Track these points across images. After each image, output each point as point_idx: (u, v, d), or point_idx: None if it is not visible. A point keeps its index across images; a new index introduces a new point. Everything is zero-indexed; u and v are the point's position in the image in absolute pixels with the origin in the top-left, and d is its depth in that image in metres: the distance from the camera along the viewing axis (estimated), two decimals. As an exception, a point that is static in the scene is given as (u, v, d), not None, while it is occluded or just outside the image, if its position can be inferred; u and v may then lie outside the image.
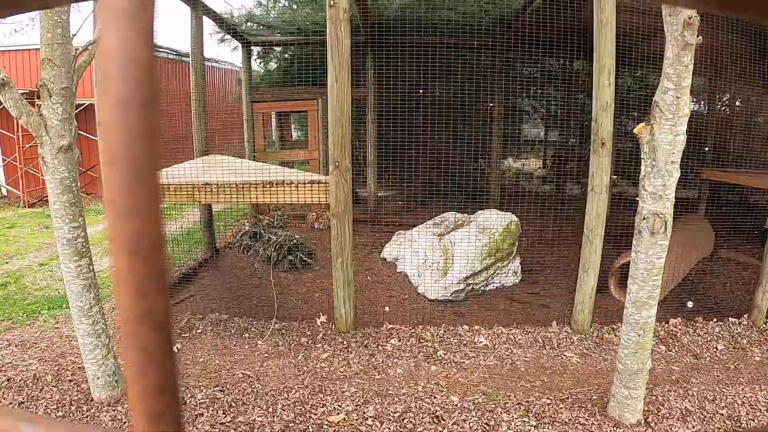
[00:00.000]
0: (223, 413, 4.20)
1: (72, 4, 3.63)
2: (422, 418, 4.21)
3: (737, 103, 12.28)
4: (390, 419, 4.19)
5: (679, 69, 3.39)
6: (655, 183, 3.65)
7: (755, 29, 6.95)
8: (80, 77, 3.81)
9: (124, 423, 4.07)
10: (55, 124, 3.67)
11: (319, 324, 5.95)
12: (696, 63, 3.50)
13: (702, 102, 11.34)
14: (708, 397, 4.55)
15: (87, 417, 4.13)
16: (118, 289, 0.21)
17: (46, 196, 9.71)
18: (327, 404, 4.37)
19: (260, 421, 4.13)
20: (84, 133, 12.33)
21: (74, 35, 3.68)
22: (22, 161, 13.04)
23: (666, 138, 3.55)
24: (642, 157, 3.73)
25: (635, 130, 3.73)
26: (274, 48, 12.42)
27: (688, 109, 3.51)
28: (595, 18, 5.21)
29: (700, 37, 3.36)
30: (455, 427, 4.12)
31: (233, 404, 4.32)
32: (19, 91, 3.64)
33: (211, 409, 4.25)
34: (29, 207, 13.08)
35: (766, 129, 10.90)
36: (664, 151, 3.57)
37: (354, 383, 4.74)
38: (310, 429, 4.08)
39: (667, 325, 5.96)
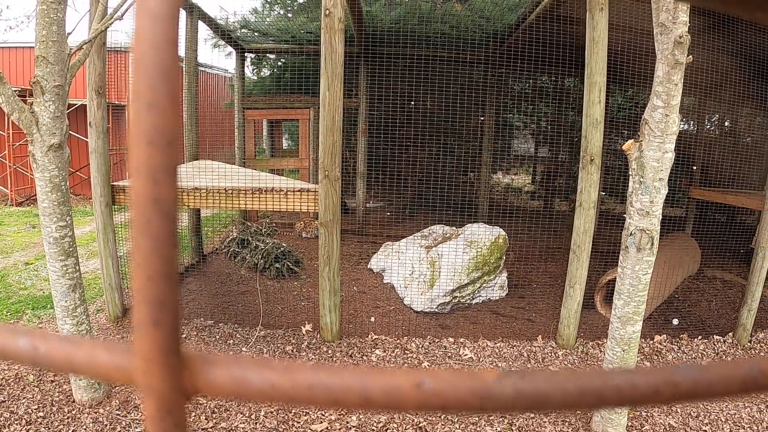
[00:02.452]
0: (206, 419, 4.17)
1: (68, 4, 3.63)
2: (405, 429, 4.20)
3: (726, 124, 12.43)
4: (373, 429, 4.17)
5: (668, 87, 3.43)
6: (642, 199, 3.68)
7: (745, 50, 7.04)
8: (73, 76, 3.80)
9: (106, 426, 4.03)
10: (46, 121, 3.66)
11: (304, 332, 5.93)
12: (686, 82, 3.54)
13: (691, 121, 11.46)
14: (692, 413, 4.57)
15: (68, 418, 4.08)
16: (135, 179, 0.22)
17: (34, 195, 9.60)
18: (310, 413, 4.35)
19: (243, 428, 4.10)
20: (75, 134, 12.30)
21: (69, 34, 3.68)
22: (11, 159, 12.96)
23: (654, 155, 3.58)
24: (630, 173, 3.76)
25: (624, 147, 3.77)
26: (268, 55, 12.46)
27: (677, 127, 3.55)
28: (587, 35, 5.26)
29: (691, 56, 3.40)
30: (438, 438, 4.11)
31: (216, 410, 4.29)
32: (12, 88, 3.62)
33: (193, 414, 4.21)
34: (17, 205, 12.99)
35: (754, 150, 11.01)
36: (652, 168, 3.60)
37: (338, 392, 4.72)
38: (293, 437, 4.06)
39: (652, 342, 5.98)
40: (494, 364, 5.46)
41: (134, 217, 0.23)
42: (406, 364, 5.34)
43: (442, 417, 4.37)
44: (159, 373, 0.24)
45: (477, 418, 4.36)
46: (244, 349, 5.53)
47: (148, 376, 0.24)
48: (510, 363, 5.49)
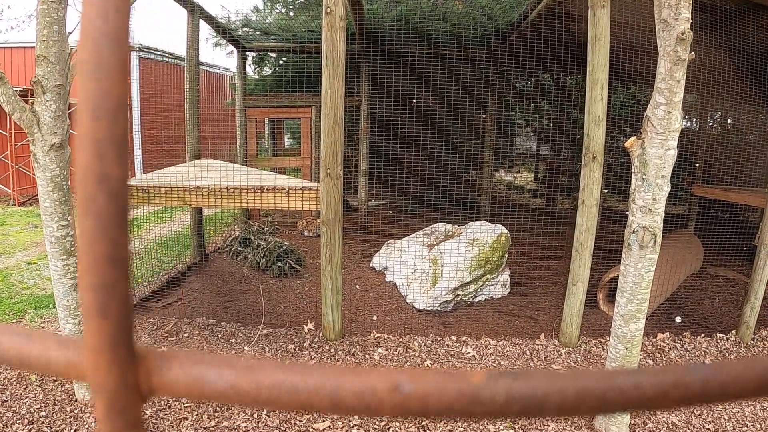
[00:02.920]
0: (208, 418, 4.17)
1: (69, 4, 3.63)
2: (408, 428, 4.20)
3: (729, 121, 12.40)
4: (375, 428, 4.17)
5: (671, 84, 3.42)
6: (645, 197, 3.67)
7: (748, 47, 7.02)
8: (74, 75, 3.79)
9: (108, 425, 4.03)
10: (47, 121, 3.66)
11: (306, 331, 5.93)
12: (688, 79, 3.53)
13: (694, 118, 11.43)
14: (695, 411, 4.56)
15: (70, 417, 4.09)
16: (79, 153, 0.21)
17: (37, 195, 9.62)
18: (312, 412, 4.35)
19: (245, 427, 4.10)
20: (76, 133, 12.30)
21: (70, 33, 3.67)
22: (13, 159, 12.98)
23: (657, 152, 3.57)
24: (632, 170, 3.75)
25: (626, 144, 3.76)
26: (270, 54, 12.45)
27: (680, 124, 3.53)
28: (589, 32, 5.25)
29: (693, 52, 3.38)
30: (441, 436, 4.11)
31: (218, 409, 4.29)
32: (13, 88, 3.62)
33: (195, 413, 4.22)
34: (19, 205, 13.00)
35: (756, 147, 10.99)
36: (655, 165, 3.59)
37: (340, 391, 4.72)
38: (295, 435, 4.06)
39: (654, 340, 5.97)
40: (497, 362, 5.45)
41: (78, 196, 0.21)
42: (408, 363, 5.34)
43: (523, 417, 4.36)
44: (108, 368, 0.22)
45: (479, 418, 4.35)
46: (246, 348, 5.53)
47: (97, 372, 0.22)
48: (513, 361, 5.49)
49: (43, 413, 4.13)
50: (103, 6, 0.21)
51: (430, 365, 5.31)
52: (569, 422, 4.35)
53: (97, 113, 0.20)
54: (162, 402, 4.32)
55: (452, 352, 5.59)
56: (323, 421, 4.22)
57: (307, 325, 6.04)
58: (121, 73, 0.21)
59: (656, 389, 0.24)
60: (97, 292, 0.21)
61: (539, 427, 4.26)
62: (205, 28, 8.73)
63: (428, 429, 4.18)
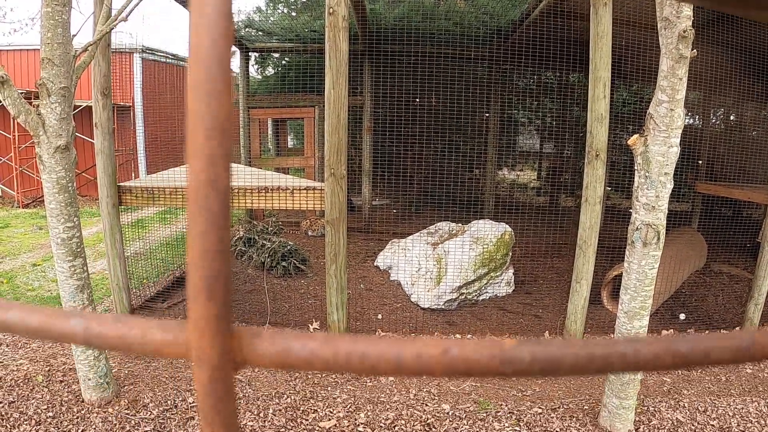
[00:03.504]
0: (214, 417, 4.19)
1: (73, 6, 3.65)
2: (413, 425, 4.21)
3: (731, 118, 12.38)
4: (381, 426, 4.19)
5: (673, 81, 3.42)
6: (648, 194, 3.68)
7: (750, 44, 7.02)
8: (79, 77, 3.82)
9: (115, 425, 4.05)
10: (53, 123, 3.68)
11: (311, 330, 5.95)
12: (691, 76, 3.54)
13: (697, 116, 11.42)
14: (699, 408, 4.57)
15: (77, 418, 4.11)
16: (192, 161, 0.24)
17: (41, 197, 9.65)
18: (318, 410, 4.37)
19: (251, 426, 4.12)
20: (81, 135, 12.34)
21: (74, 36, 3.69)
22: (17, 161, 13.02)
23: (659, 150, 3.58)
24: (635, 168, 3.76)
25: (629, 142, 3.76)
26: (272, 54, 12.48)
27: (682, 121, 3.54)
28: (591, 30, 5.26)
29: (695, 50, 3.39)
30: (446, 434, 4.13)
31: (224, 408, 4.31)
32: (18, 91, 3.65)
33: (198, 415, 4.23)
34: (24, 207, 13.05)
35: (760, 143, 10.97)
36: (658, 162, 3.60)
37: (346, 390, 4.74)
38: (301, 434, 4.08)
39: (659, 337, 5.97)
40: (501, 360, 5.46)
41: (191, 197, 0.25)
42: (413, 361, 5.35)
43: (450, 414, 4.38)
44: (212, 343, 0.26)
45: (485, 414, 4.37)
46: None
47: (201, 347, 0.26)
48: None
49: (50, 414, 4.15)
50: (211, 34, 0.24)
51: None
52: (574, 419, 4.36)
53: (208, 132, 0.24)
54: (169, 402, 4.35)
55: (457, 351, 5.60)
56: (329, 419, 4.24)
57: (312, 324, 6.06)
58: (227, 95, 0.24)
59: (651, 353, 0.28)
60: (206, 279, 0.25)
61: (544, 425, 4.27)
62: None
63: (434, 427, 4.20)
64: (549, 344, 0.28)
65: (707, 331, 6.12)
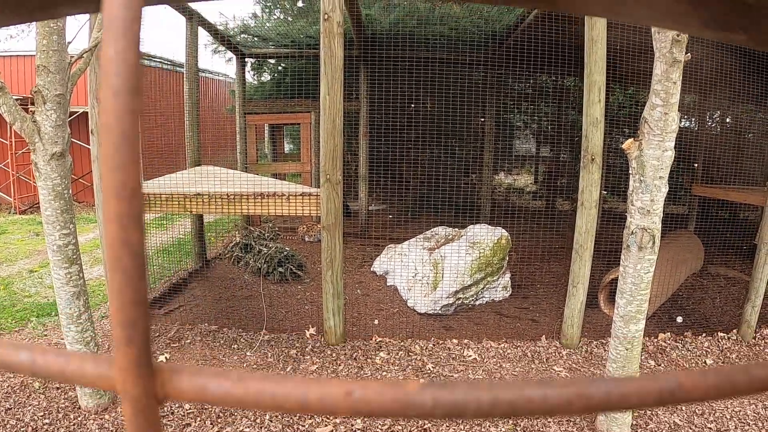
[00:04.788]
0: (211, 423, 4.19)
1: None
2: (410, 431, 4.21)
3: (727, 120, 12.41)
4: (378, 431, 4.18)
5: (667, 85, 3.43)
6: (642, 198, 3.68)
7: (744, 47, 7.04)
8: (74, 84, 3.82)
9: (111, 432, 4.04)
10: (48, 130, 3.68)
11: (308, 336, 5.94)
12: (686, 79, 3.55)
13: (692, 118, 11.45)
14: (697, 411, 4.57)
15: (74, 425, 4.10)
16: (107, 225, 0.27)
17: (38, 203, 9.63)
18: (315, 416, 4.36)
19: (248, 432, 4.11)
20: (77, 141, 12.34)
21: (69, 43, 3.70)
22: (14, 167, 13.01)
23: (654, 153, 3.59)
24: (630, 172, 3.76)
25: (624, 146, 3.77)
26: (268, 60, 12.48)
27: (676, 125, 3.55)
28: (586, 34, 5.27)
29: (689, 54, 3.40)
30: (443, 439, 4.12)
31: (221, 415, 4.30)
32: (13, 98, 3.64)
33: (198, 419, 4.23)
34: (20, 213, 13.03)
35: (755, 145, 11.00)
36: (652, 166, 3.61)
37: (343, 395, 4.73)
38: (298, 440, 4.07)
39: (656, 340, 5.98)
40: (498, 364, 5.46)
41: (107, 256, 0.28)
42: (410, 367, 5.35)
43: (447, 419, 4.37)
44: (133, 381, 0.28)
45: (482, 420, 4.36)
46: (248, 353, 5.54)
47: (125, 385, 0.28)
48: (514, 363, 5.49)
49: (47, 421, 4.14)
50: (116, 111, 0.27)
51: (431, 369, 5.32)
52: (571, 423, 4.36)
53: (119, 196, 0.27)
54: (165, 409, 4.33)
55: (454, 356, 5.60)
56: (325, 426, 4.23)
57: (308, 330, 6.05)
58: (134, 166, 0.27)
59: (561, 399, 0.28)
60: (125, 327, 0.28)
61: (541, 429, 4.27)
62: (203, 35, 8.76)
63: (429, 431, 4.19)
64: (454, 387, 0.28)
65: (704, 334, 6.13)
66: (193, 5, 7.78)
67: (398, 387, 0.28)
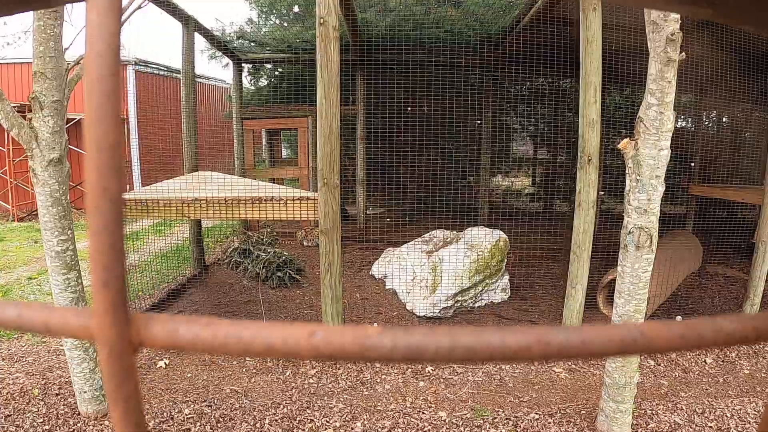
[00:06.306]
0: (211, 428, 4.18)
1: (65, 20, 3.66)
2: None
3: (724, 119, 12.44)
4: (378, 434, 4.18)
5: (662, 84, 3.45)
6: (639, 197, 3.69)
7: (740, 45, 7.06)
8: (71, 91, 3.82)
9: (111, 438, 4.04)
10: (46, 136, 3.68)
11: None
12: (682, 79, 3.56)
13: (689, 117, 11.47)
14: (697, 410, 4.57)
15: (74, 431, 4.09)
16: (89, 174, 0.28)
17: (36, 210, 9.62)
18: (315, 420, 4.36)
19: (248, 437, 4.11)
20: (74, 148, 12.32)
21: (66, 49, 3.70)
22: (11, 175, 12.99)
23: (650, 153, 3.60)
24: (627, 172, 3.77)
25: (620, 146, 3.78)
26: (265, 65, 12.50)
27: (672, 124, 3.56)
28: (581, 35, 5.29)
29: (683, 53, 3.42)
30: (444, 441, 4.12)
31: (221, 419, 4.30)
32: (11, 104, 3.65)
33: (198, 424, 4.22)
34: (18, 221, 13.01)
35: (752, 144, 11.03)
36: (649, 166, 3.62)
37: (342, 399, 4.73)
38: (299, 444, 4.07)
39: (655, 341, 5.98)
40: (498, 366, 5.46)
41: (88, 204, 0.29)
42: (409, 370, 5.35)
43: (446, 421, 4.38)
44: (110, 325, 0.29)
45: (481, 421, 4.36)
46: (247, 358, 5.53)
47: (102, 329, 0.29)
48: (513, 365, 5.50)
49: (47, 427, 4.14)
50: (99, 72, 0.29)
51: (431, 371, 5.32)
52: (571, 424, 4.35)
53: (100, 147, 0.28)
54: (165, 414, 4.33)
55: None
56: (325, 429, 4.23)
57: (308, 334, 6.04)
58: (116, 119, 0.29)
59: (520, 344, 0.28)
60: (102, 270, 0.29)
61: (541, 430, 4.27)
62: (200, 40, 8.77)
63: (431, 434, 4.19)
64: (413, 331, 0.29)
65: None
66: (190, 4, 7.80)
67: (360, 330, 0.29)
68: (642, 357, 5.42)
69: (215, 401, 4.56)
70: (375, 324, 6.34)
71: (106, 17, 0.28)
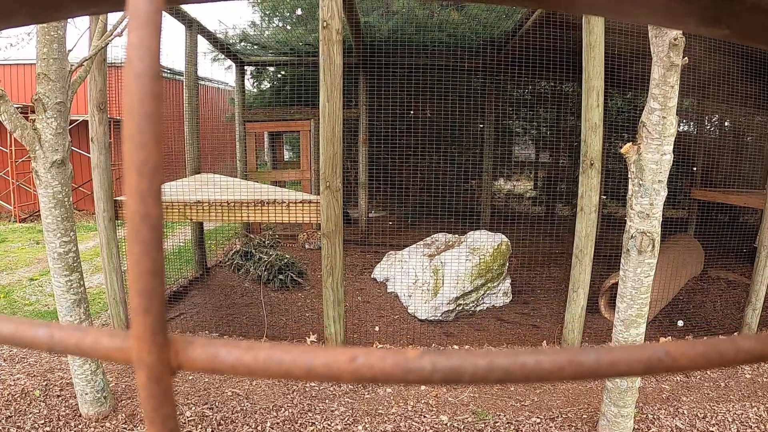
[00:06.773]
0: (212, 431, 4.18)
1: (68, 20, 3.67)
2: (412, 436, 4.20)
3: (726, 123, 12.43)
4: (380, 437, 4.18)
5: (665, 89, 3.45)
6: (642, 202, 3.69)
7: (743, 49, 7.06)
8: (75, 93, 3.83)
9: (112, 440, 4.04)
10: (49, 138, 3.69)
11: (309, 343, 5.94)
12: (685, 83, 3.56)
13: (691, 122, 11.46)
14: (699, 414, 4.56)
15: (74, 433, 4.10)
16: (128, 199, 0.29)
17: (38, 212, 9.62)
18: (317, 423, 4.36)
19: (249, 439, 4.11)
20: (77, 149, 12.35)
21: (70, 51, 3.71)
22: (14, 176, 13.02)
23: (652, 157, 3.60)
24: (629, 176, 3.77)
25: (622, 150, 3.78)
26: (268, 68, 12.51)
27: (675, 128, 3.56)
28: (584, 40, 5.29)
29: (686, 58, 3.42)
30: (445, 445, 4.12)
31: (222, 422, 4.30)
32: (14, 105, 3.66)
33: (199, 426, 4.22)
34: (20, 222, 13.03)
35: (754, 148, 11.02)
36: (651, 170, 3.61)
37: (344, 402, 4.73)
38: (300, 447, 4.06)
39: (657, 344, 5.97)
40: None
41: (129, 229, 0.29)
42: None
43: (448, 425, 4.37)
44: (149, 350, 0.30)
45: (483, 425, 4.36)
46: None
47: (140, 353, 0.30)
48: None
49: (48, 429, 4.14)
50: (140, 94, 0.29)
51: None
52: (572, 428, 4.35)
53: (141, 172, 0.29)
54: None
55: (455, 361, 5.59)
56: (327, 432, 4.23)
57: (309, 338, 6.05)
58: (157, 143, 0.29)
59: (553, 365, 0.29)
60: (142, 296, 0.29)
61: (543, 434, 4.27)
62: (203, 43, 8.80)
63: (432, 438, 4.19)
64: (451, 354, 0.30)
65: (705, 338, 6.12)
66: (194, 8, 7.81)
67: (399, 354, 0.29)
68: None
69: (216, 404, 4.56)
70: (377, 328, 6.35)
71: (147, 36, 0.28)
